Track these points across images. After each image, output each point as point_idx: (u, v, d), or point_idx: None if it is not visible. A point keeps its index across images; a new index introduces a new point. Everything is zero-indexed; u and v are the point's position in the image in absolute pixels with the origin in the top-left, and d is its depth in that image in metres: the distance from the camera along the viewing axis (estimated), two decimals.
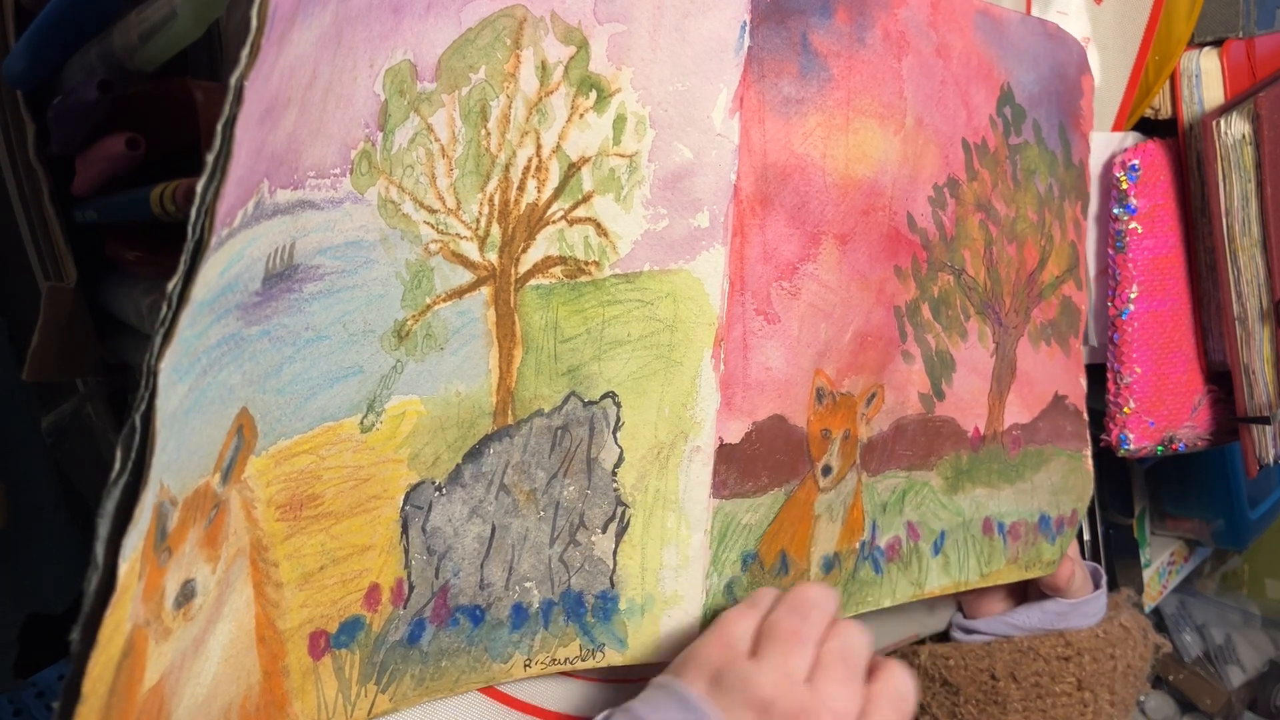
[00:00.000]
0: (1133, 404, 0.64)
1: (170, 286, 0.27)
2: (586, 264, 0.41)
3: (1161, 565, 0.92)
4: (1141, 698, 1.00)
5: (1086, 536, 0.76)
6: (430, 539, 0.39)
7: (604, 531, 0.43)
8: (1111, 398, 0.64)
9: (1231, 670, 1.03)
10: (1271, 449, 0.66)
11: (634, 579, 0.44)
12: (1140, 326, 0.63)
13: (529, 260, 0.39)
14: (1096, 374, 0.65)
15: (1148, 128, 0.66)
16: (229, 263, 0.29)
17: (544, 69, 0.38)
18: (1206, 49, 0.64)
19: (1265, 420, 0.64)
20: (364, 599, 0.37)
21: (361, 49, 0.33)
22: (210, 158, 0.27)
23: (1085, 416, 0.61)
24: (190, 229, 0.27)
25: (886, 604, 0.53)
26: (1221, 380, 0.67)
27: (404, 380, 0.37)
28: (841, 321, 0.48)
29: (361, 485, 0.37)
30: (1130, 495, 0.84)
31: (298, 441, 0.34)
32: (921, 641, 0.62)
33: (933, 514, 0.54)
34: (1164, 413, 0.65)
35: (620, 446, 0.43)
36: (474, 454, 0.40)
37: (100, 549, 0.25)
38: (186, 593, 0.29)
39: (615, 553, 0.43)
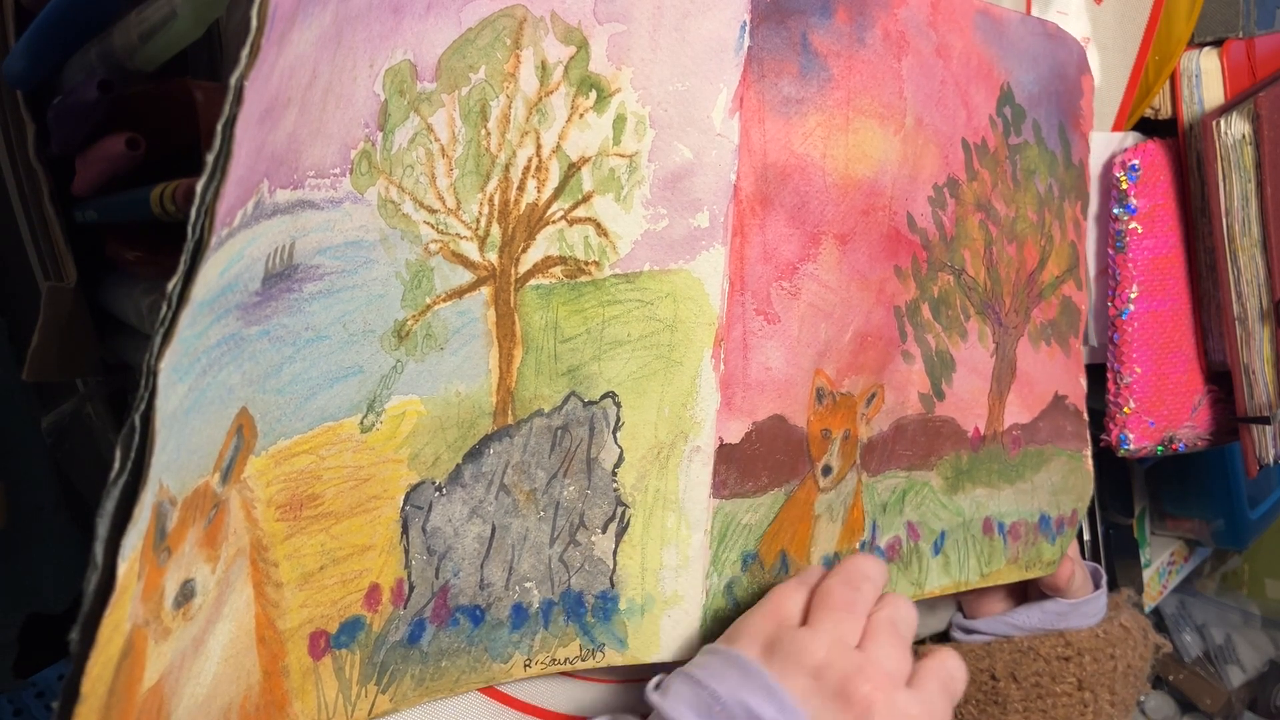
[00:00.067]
0: (1133, 404, 0.64)
1: (170, 286, 0.27)
2: (586, 264, 0.41)
3: (1161, 565, 0.92)
4: (1141, 698, 1.00)
5: (1086, 536, 0.76)
6: (430, 539, 0.39)
7: (604, 531, 0.43)
8: (1111, 398, 0.64)
9: (1231, 670, 1.03)
10: (1271, 449, 0.66)
11: (634, 579, 0.44)
12: (1140, 326, 0.63)
13: (529, 260, 0.39)
14: (1096, 374, 0.65)
15: (1148, 128, 0.66)
16: (229, 263, 0.29)
17: (544, 69, 0.38)
18: (1206, 49, 0.64)
19: (1265, 420, 0.64)
20: (364, 599, 0.37)
21: (361, 49, 0.33)
22: (210, 158, 0.27)
23: (1085, 416, 0.61)
24: (190, 229, 0.27)
25: None
26: (1221, 380, 0.67)
27: (404, 380, 0.37)
28: (841, 321, 0.48)
29: (361, 485, 0.37)
30: (1130, 495, 0.84)
31: (298, 441, 0.34)
32: (922, 641, 0.62)
33: (933, 514, 0.54)
34: (1164, 413, 0.65)
35: (620, 446, 0.43)
36: (474, 454, 0.40)
37: (99, 549, 0.25)
38: (186, 592, 0.29)
39: (615, 553, 0.43)
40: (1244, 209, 0.60)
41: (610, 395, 0.42)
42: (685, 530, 0.44)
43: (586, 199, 0.40)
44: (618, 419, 0.43)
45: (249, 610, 0.33)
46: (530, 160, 0.38)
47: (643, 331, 0.42)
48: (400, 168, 0.35)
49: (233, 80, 0.27)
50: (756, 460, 0.46)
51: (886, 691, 0.38)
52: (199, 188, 0.27)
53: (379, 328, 0.36)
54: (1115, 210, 0.63)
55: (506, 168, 0.38)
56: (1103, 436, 0.65)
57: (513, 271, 0.39)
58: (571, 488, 0.42)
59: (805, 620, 0.42)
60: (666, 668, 0.44)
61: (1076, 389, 0.61)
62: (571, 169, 0.39)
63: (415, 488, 0.38)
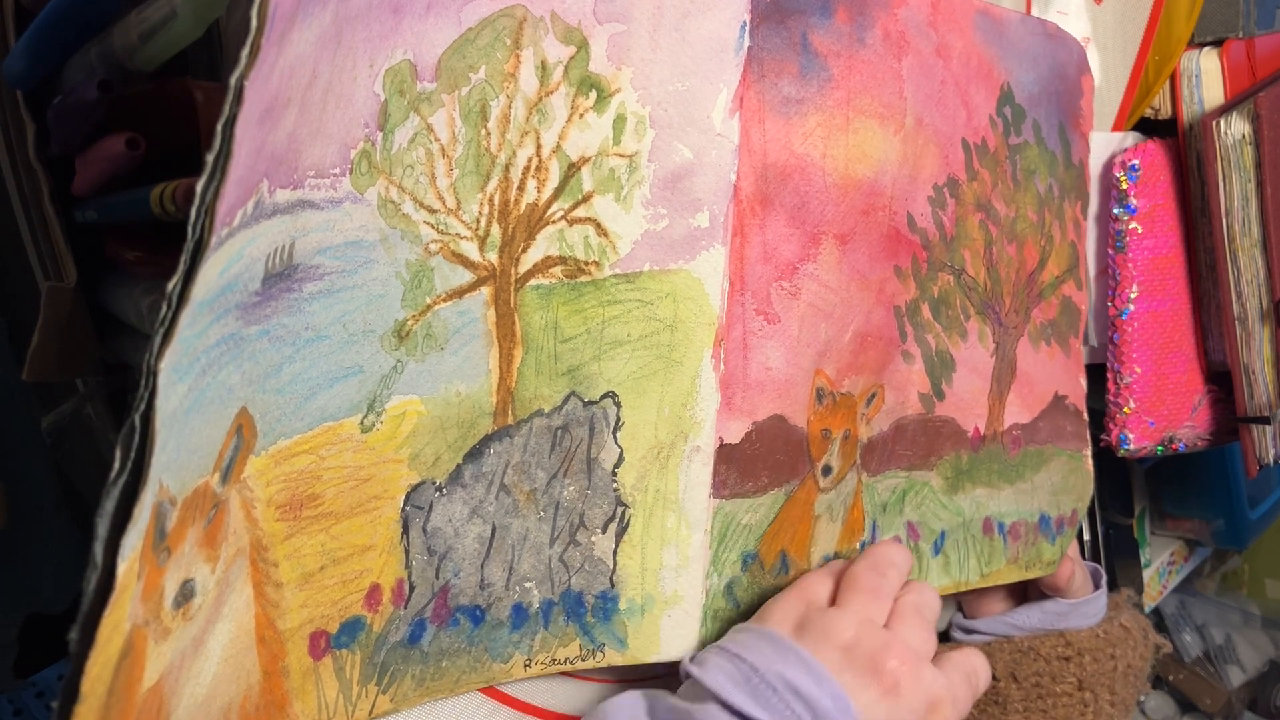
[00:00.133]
0: (1133, 404, 0.64)
1: (170, 286, 0.27)
2: (586, 264, 0.41)
3: (1161, 565, 0.92)
4: (1141, 698, 1.00)
5: (1086, 536, 0.76)
6: (431, 539, 0.39)
7: (604, 531, 0.43)
8: (1111, 398, 0.64)
9: (1231, 670, 1.04)
10: (1271, 449, 0.66)
11: (634, 579, 0.44)
12: (1140, 326, 0.63)
13: (529, 260, 0.39)
14: (1096, 374, 0.65)
15: (1148, 128, 0.66)
16: (229, 262, 0.29)
17: (544, 69, 0.38)
18: (1206, 49, 0.64)
19: (1265, 420, 0.64)
20: (365, 599, 0.37)
21: (361, 49, 0.33)
22: (210, 158, 0.27)
23: (1085, 416, 0.61)
24: (190, 229, 0.27)
25: None
26: (1221, 380, 0.67)
27: (404, 380, 0.37)
28: (841, 321, 0.48)
29: (362, 485, 0.37)
30: (1130, 495, 0.84)
31: (297, 441, 0.34)
32: None
33: (933, 514, 0.54)
34: (1164, 413, 0.65)
35: (620, 446, 0.43)
36: (474, 454, 0.40)
37: (99, 549, 0.25)
38: (185, 592, 0.29)
39: (615, 553, 0.43)
40: (1244, 209, 0.60)
41: (610, 395, 0.42)
42: (685, 530, 0.44)
43: (586, 199, 0.40)
44: (618, 419, 0.43)
45: (249, 610, 0.33)
46: (530, 160, 0.38)
47: (643, 331, 0.42)
48: (400, 168, 0.35)
49: (233, 80, 0.27)
50: (756, 460, 0.46)
51: (913, 666, 0.40)
52: (199, 188, 0.27)
53: (379, 328, 0.36)
54: (1115, 210, 0.63)
55: (506, 168, 0.38)
56: (1103, 436, 0.65)
57: (513, 271, 0.39)
58: (571, 488, 0.42)
59: (833, 603, 0.44)
60: (666, 668, 0.44)
61: (1076, 389, 0.61)
62: (571, 169, 0.39)
63: (416, 488, 0.38)
